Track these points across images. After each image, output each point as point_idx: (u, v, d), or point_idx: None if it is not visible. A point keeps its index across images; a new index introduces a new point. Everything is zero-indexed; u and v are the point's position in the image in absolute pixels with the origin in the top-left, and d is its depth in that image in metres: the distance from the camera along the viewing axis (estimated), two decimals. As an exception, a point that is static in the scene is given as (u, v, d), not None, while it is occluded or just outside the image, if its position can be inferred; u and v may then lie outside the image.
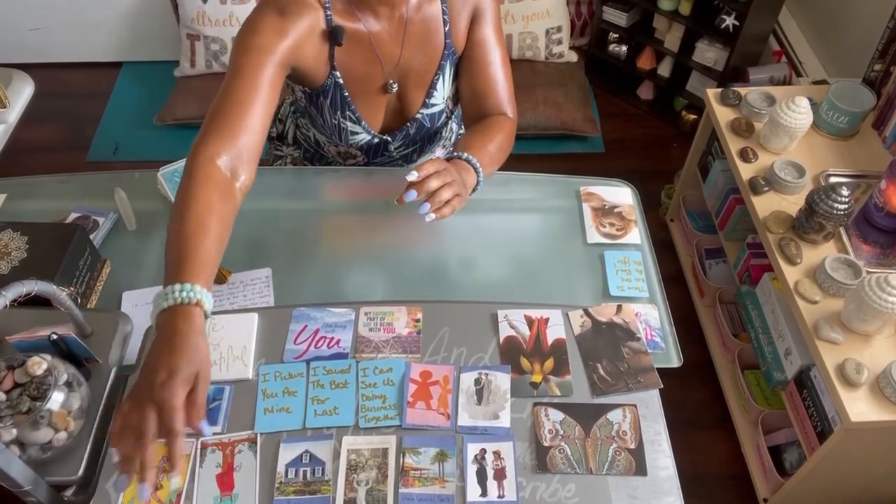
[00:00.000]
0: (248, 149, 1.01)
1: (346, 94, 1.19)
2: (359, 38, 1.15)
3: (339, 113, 1.21)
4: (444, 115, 1.29)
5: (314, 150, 1.40)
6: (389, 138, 1.27)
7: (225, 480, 0.87)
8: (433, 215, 1.04)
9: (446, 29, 1.18)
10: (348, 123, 1.22)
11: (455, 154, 1.14)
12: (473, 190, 1.15)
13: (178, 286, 0.85)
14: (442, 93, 1.24)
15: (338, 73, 1.16)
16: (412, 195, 1.04)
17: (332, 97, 1.19)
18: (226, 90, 1.02)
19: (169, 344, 0.81)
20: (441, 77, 1.22)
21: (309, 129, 1.36)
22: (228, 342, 0.99)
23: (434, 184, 1.04)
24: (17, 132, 1.83)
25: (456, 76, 1.26)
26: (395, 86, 1.21)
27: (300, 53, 1.10)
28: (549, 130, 2.52)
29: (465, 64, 1.24)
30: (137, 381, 0.80)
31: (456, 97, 1.29)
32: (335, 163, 1.39)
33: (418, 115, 1.25)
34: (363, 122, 1.23)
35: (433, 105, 1.25)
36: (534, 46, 2.66)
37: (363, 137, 1.25)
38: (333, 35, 1.11)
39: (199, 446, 0.90)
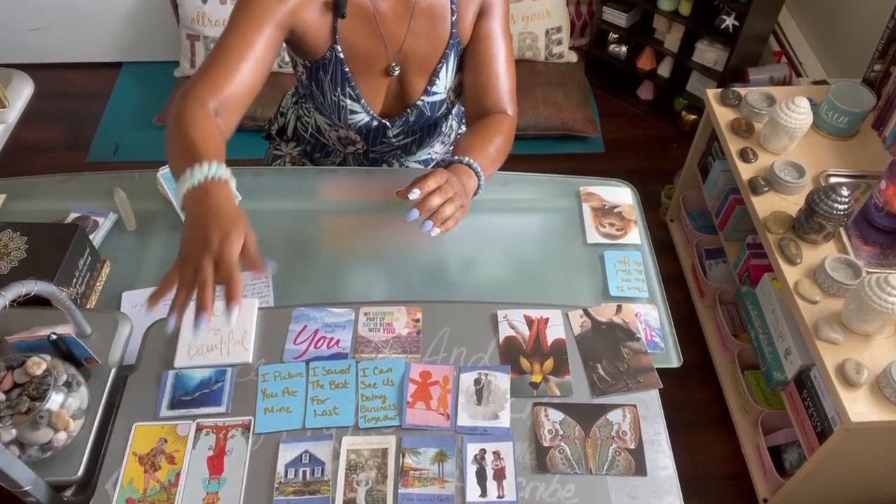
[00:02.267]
0: (234, 99, 1.05)
1: (347, 69, 1.19)
2: (364, 15, 1.15)
3: (339, 90, 1.21)
4: (444, 106, 1.29)
5: (315, 139, 1.40)
6: (388, 123, 1.28)
7: (215, 464, 0.88)
8: (437, 230, 1.04)
9: (453, 18, 1.19)
10: (348, 101, 1.22)
11: (456, 158, 1.14)
12: (474, 194, 1.15)
13: (206, 164, 0.88)
14: (444, 82, 1.24)
15: (339, 48, 1.17)
16: (414, 214, 1.02)
17: (332, 72, 1.19)
18: (220, 44, 1.05)
19: (214, 210, 0.85)
20: (445, 66, 1.22)
21: (310, 115, 1.36)
22: (229, 327, 0.99)
23: (436, 201, 1.03)
24: (17, 132, 1.83)
25: (460, 68, 1.26)
26: (397, 69, 1.21)
27: (300, 18, 1.11)
28: (549, 130, 2.52)
29: (469, 57, 1.24)
30: (186, 245, 0.84)
31: (458, 90, 1.30)
32: (335, 151, 1.40)
33: (419, 102, 1.25)
34: (363, 101, 1.23)
35: (435, 93, 1.25)
36: (534, 47, 2.66)
37: (362, 118, 1.25)
38: (336, 6, 1.12)
39: (194, 428, 0.90)
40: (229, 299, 0.80)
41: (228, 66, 1.04)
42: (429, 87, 1.24)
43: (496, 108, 1.24)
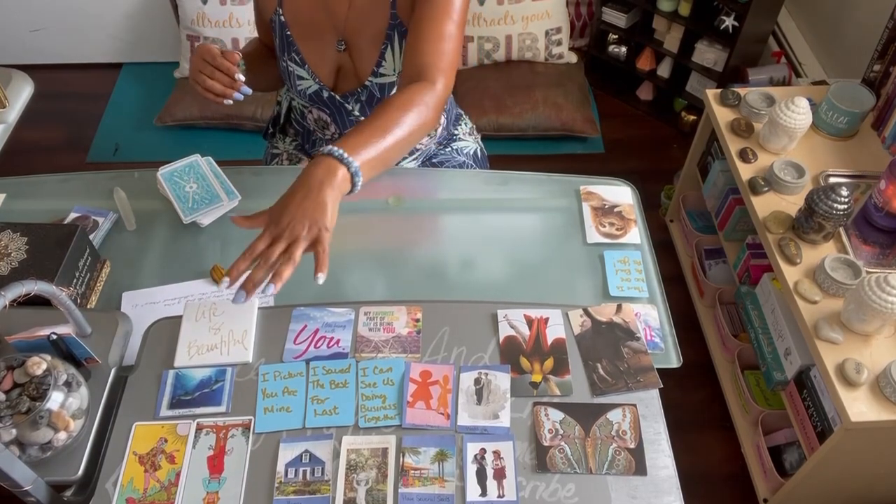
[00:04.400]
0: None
1: (289, 33, 1.24)
2: None
3: (285, 54, 1.26)
4: (396, 89, 1.28)
5: (301, 126, 1.43)
6: (341, 99, 1.30)
7: (215, 463, 0.88)
8: (272, 287, 0.87)
9: None
10: (294, 66, 1.26)
11: (324, 149, 0.95)
12: (353, 189, 0.95)
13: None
14: (392, 64, 1.24)
15: (281, 10, 1.23)
16: (241, 298, 0.88)
17: (279, 36, 1.25)
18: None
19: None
20: (389, 47, 1.22)
21: (294, 98, 1.40)
22: (229, 326, 1.00)
23: (242, 265, 0.89)
24: (18, 133, 1.83)
25: None
26: (343, 44, 1.24)
27: None
28: (549, 131, 2.52)
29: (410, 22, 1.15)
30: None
31: None
32: (316, 136, 1.42)
33: (367, 83, 1.26)
34: (307, 66, 1.26)
35: (383, 75, 1.25)
36: (533, 47, 2.66)
37: (310, 84, 1.28)
38: None
39: (194, 427, 0.91)
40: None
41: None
42: (376, 68, 1.25)
43: (423, 74, 1.07)
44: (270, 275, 0.88)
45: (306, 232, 0.90)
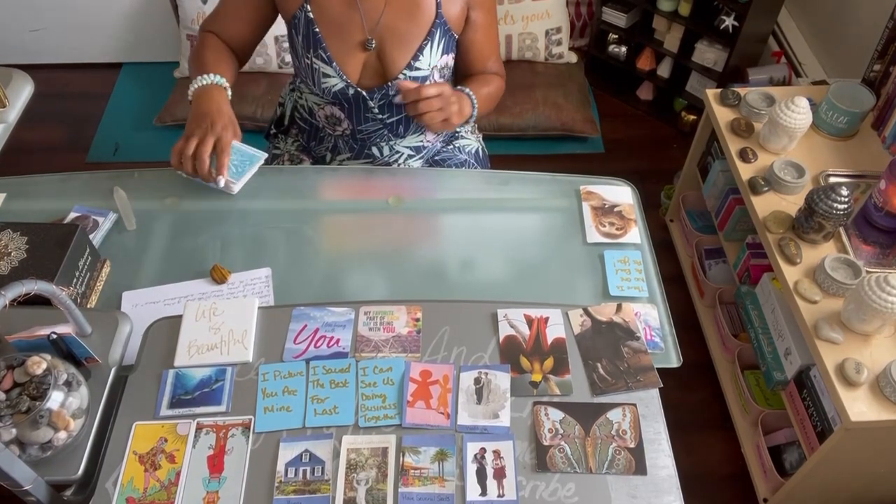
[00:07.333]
0: (240, 46, 1.35)
1: (318, 30, 1.24)
2: None
3: (311, 51, 1.26)
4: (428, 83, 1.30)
5: (308, 123, 1.43)
6: (366, 94, 1.30)
7: (215, 463, 0.88)
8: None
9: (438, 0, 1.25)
10: (320, 63, 1.27)
11: (458, 87, 1.31)
12: (465, 122, 1.33)
13: (210, 75, 1.22)
14: (429, 59, 1.28)
15: (309, 7, 1.23)
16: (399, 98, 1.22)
17: (303, 33, 1.25)
18: (222, 2, 1.35)
19: (212, 105, 1.19)
20: (430, 44, 1.26)
21: (303, 97, 1.40)
22: (229, 326, 1.00)
23: (436, 104, 1.21)
24: (17, 133, 1.83)
25: (447, 50, 1.31)
26: (373, 43, 1.25)
27: None
28: (549, 131, 2.52)
29: (460, 43, 1.33)
30: (193, 126, 1.17)
31: (444, 71, 1.33)
32: (326, 134, 1.42)
33: (401, 76, 1.27)
34: (334, 64, 1.26)
35: (418, 69, 1.28)
36: (533, 47, 2.66)
37: (335, 82, 1.28)
38: None
39: (194, 427, 0.91)
40: (220, 170, 1.16)
41: (227, 27, 1.33)
42: (412, 62, 1.26)
43: (497, 75, 1.43)
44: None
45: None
